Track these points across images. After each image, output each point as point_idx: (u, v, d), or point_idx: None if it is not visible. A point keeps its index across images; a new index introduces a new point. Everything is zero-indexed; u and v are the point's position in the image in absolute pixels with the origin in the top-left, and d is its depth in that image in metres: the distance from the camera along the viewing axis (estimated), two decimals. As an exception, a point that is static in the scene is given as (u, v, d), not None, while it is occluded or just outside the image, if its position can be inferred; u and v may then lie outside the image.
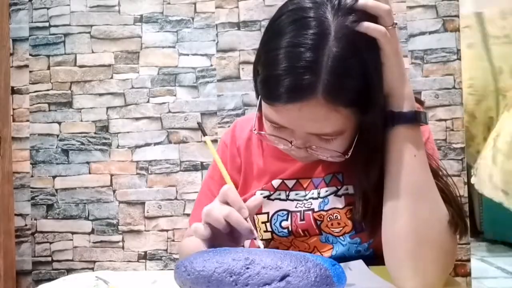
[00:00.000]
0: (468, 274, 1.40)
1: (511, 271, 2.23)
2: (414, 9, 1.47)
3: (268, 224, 0.79)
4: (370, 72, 0.61)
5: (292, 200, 0.79)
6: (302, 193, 0.79)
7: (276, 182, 0.80)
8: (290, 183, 0.80)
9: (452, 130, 1.45)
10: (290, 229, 0.78)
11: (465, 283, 1.36)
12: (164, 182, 1.56)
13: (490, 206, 2.89)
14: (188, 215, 1.54)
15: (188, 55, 1.56)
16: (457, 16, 1.46)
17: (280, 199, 0.79)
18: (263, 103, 0.67)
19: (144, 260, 1.55)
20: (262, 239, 0.79)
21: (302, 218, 0.77)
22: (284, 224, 0.78)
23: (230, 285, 0.50)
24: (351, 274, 0.62)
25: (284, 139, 0.68)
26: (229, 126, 1.53)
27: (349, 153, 0.68)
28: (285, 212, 0.78)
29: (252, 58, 1.53)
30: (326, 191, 0.77)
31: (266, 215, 0.79)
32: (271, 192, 0.80)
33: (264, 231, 0.80)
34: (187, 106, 1.56)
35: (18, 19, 1.61)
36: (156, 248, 1.55)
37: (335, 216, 0.75)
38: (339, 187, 0.76)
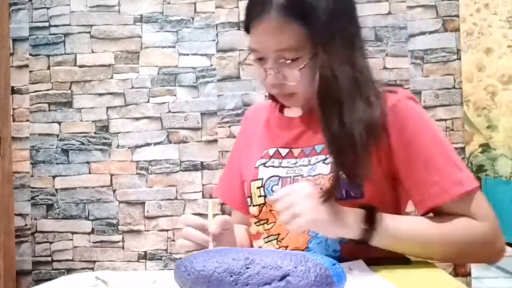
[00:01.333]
0: (468, 274, 1.40)
1: (511, 271, 2.23)
2: (414, 9, 1.47)
3: (262, 189, 0.87)
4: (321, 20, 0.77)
5: (284, 167, 0.86)
6: (293, 161, 0.86)
7: (271, 151, 0.90)
8: (284, 152, 0.88)
9: (452, 130, 1.45)
10: None
11: (465, 283, 1.36)
12: (164, 182, 1.56)
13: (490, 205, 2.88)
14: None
15: (188, 55, 1.56)
16: (457, 16, 1.46)
17: (273, 166, 0.88)
18: (249, 40, 0.84)
19: (144, 260, 1.55)
20: (256, 205, 0.89)
21: (291, 182, 0.84)
22: (275, 188, 0.85)
23: (230, 284, 0.50)
24: (351, 274, 0.62)
25: (262, 67, 0.83)
26: (229, 126, 1.54)
27: (304, 65, 0.79)
28: (276, 178, 0.86)
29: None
30: (316, 159, 0.83)
31: (260, 181, 0.87)
32: (267, 160, 0.89)
33: (259, 196, 0.87)
34: (187, 106, 1.56)
35: (18, 19, 1.61)
36: (156, 248, 1.55)
37: (319, 181, 0.80)
38: (327, 156, 0.81)
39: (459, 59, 1.44)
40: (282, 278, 0.50)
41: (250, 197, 0.89)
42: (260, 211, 0.87)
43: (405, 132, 0.78)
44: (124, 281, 0.66)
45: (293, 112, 0.92)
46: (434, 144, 0.78)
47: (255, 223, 0.89)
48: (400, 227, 0.73)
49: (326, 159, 0.82)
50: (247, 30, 0.85)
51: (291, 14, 0.77)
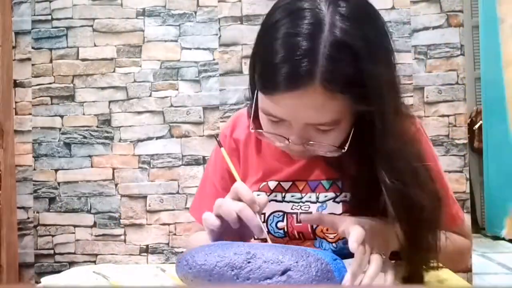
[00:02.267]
0: (469, 270, 1.40)
1: (512, 267, 2.23)
2: (418, 3, 1.46)
3: (264, 225, 0.79)
4: (364, 59, 0.61)
5: (288, 202, 0.79)
6: (298, 195, 0.79)
7: (272, 184, 0.81)
8: (286, 185, 0.80)
9: (455, 126, 1.44)
10: (285, 230, 0.79)
11: (466, 279, 1.36)
12: (166, 176, 1.56)
13: (491, 202, 2.88)
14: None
15: (190, 49, 1.56)
16: (461, 11, 1.45)
17: (276, 201, 0.80)
18: (260, 97, 0.67)
19: (145, 254, 1.56)
20: (257, 239, 0.78)
21: (298, 220, 0.78)
22: (280, 225, 0.79)
23: (231, 279, 0.50)
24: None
25: (281, 136, 0.68)
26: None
27: (346, 147, 0.67)
28: (281, 213, 0.79)
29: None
30: (325, 196, 0.77)
31: (262, 215, 0.79)
32: (268, 194, 0.80)
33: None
34: (190, 100, 1.56)
35: (21, 12, 1.61)
36: (158, 241, 1.56)
37: None
38: (338, 194, 0.76)
39: (463, 54, 1.43)
40: (283, 272, 0.50)
41: None
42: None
43: None
44: (125, 275, 0.66)
45: None
46: (440, 183, 0.76)
47: None
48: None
49: (336, 197, 0.76)
50: (259, 84, 0.67)
51: (340, 87, 0.61)
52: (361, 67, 0.61)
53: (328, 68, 0.60)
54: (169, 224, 1.55)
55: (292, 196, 0.79)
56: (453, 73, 1.44)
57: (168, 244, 1.55)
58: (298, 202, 0.79)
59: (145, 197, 1.56)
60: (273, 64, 0.62)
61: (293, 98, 0.62)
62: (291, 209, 0.78)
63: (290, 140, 0.67)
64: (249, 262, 0.51)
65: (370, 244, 0.59)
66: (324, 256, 0.54)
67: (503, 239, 2.75)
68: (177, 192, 1.56)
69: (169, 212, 1.56)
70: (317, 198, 0.78)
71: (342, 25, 0.61)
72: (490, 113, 2.80)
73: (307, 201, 0.78)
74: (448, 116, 1.44)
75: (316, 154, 0.71)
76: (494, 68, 2.75)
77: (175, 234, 1.55)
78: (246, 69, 1.54)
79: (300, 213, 0.78)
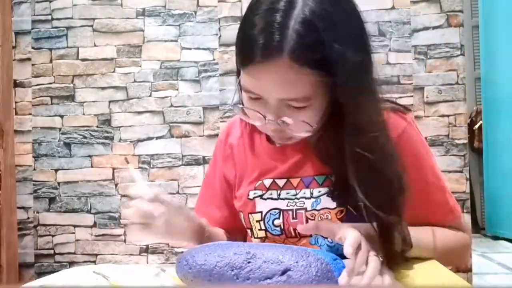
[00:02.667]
0: (469, 270, 1.40)
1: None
2: (418, 4, 1.46)
3: (262, 222, 0.81)
4: (329, 39, 0.65)
5: (284, 199, 0.81)
6: (293, 192, 0.81)
7: (267, 182, 0.82)
8: (281, 182, 0.82)
9: (455, 126, 1.44)
10: (282, 227, 0.80)
11: (465, 279, 1.36)
12: (166, 176, 1.56)
13: (491, 202, 2.88)
14: (190, 209, 1.54)
15: (190, 49, 1.56)
16: (461, 11, 1.45)
17: (272, 198, 0.81)
18: (241, 76, 0.72)
19: (145, 254, 1.56)
20: (257, 237, 0.82)
21: (294, 216, 0.79)
22: (276, 222, 0.80)
23: (231, 279, 0.50)
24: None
25: (258, 112, 0.72)
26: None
27: (315, 124, 0.71)
28: (277, 211, 0.80)
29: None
30: (319, 192, 0.79)
31: (260, 214, 0.81)
32: (263, 192, 0.82)
33: (259, 229, 0.82)
34: (189, 100, 1.56)
35: (21, 12, 1.61)
36: (158, 241, 1.56)
37: (326, 216, 0.77)
38: (331, 188, 0.77)
39: (463, 54, 1.43)
40: (283, 272, 0.50)
41: (250, 229, 0.84)
42: (262, 242, 0.83)
43: (408, 159, 0.75)
44: (125, 275, 0.66)
45: None
46: (432, 176, 0.80)
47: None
48: (423, 238, 0.74)
49: (330, 191, 0.77)
50: (239, 58, 0.73)
51: (307, 61, 0.65)
52: (326, 45, 0.65)
53: (296, 42, 0.64)
54: (169, 224, 1.55)
55: (287, 193, 0.81)
56: (453, 73, 1.45)
57: (168, 244, 1.55)
58: (293, 199, 0.80)
59: (145, 197, 1.56)
60: (250, 36, 0.68)
61: (265, 71, 0.67)
62: (287, 206, 0.80)
63: (266, 118, 0.71)
64: (249, 262, 0.51)
65: (367, 246, 0.60)
66: (324, 256, 0.54)
67: (503, 238, 2.75)
68: (177, 192, 1.56)
69: (169, 212, 1.55)
70: (311, 193, 0.79)
71: (312, 5, 0.66)
72: (490, 113, 2.80)
73: (301, 197, 0.79)
74: (448, 116, 1.44)
75: (291, 136, 0.74)
76: (494, 68, 2.75)
77: (175, 234, 1.55)
78: (246, 69, 1.53)
79: (296, 209, 0.79)
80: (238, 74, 0.77)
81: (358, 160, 0.68)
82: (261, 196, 0.82)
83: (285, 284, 0.50)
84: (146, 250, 1.56)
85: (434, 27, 1.45)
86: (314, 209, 0.78)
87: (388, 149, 0.70)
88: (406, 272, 0.65)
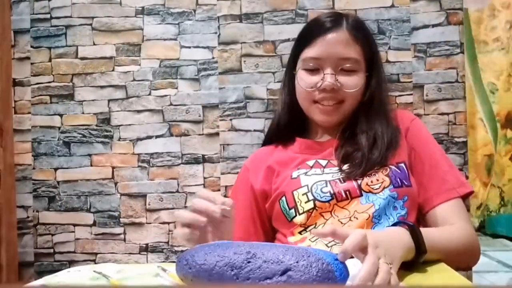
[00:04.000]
0: (469, 268, 1.39)
1: None
2: (418, 1, 1.45)
3: (309, 194, 0.88)
4: (370, 39, 1.09)
5: (328, 173, 0.92)
6: (335, 169, 0.93)
7: (310, 162, 0.96)
8: (323, 163, 0.95)
9: (455, 124, 1.43)
10: (332, 191, 0.88)
11: (466, 277, 1.35)
12: (166, 174, 1.56)
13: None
14: (189, 207, 1.54)
15: (189, 47, 1.55)
16: (461, 9, 1.44)
17: (316, 174, 0.92)
18: (300, 61, 1.05)
19: (145, 253, 1.55)
20: (303, 212, 0.89)
21: (342, 181, 0.89)
22: (325, 189, 0.87)
23: (231, 279, 0.50)
24: (356, 270, 0.61)
25: (313, 88, 0.99)
26: (231, 120, 1.54)
27: (358, 87, 1.01)
28: (323, 182, 0.89)
29: (254, 50, 1.52)
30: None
31: (305, 187, 0.89)
32: (307, 170, 0.94)
33: (306, 202, 0.88)
34: (189, 99, 1.55)
35: (20, 10, 1.60)
36: (158, 240, 1.55)
37: (373, 174, 0.87)
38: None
39: (462, 52, 1.42)
40: (284, 272, 0.50)
41: (295, 207, 0.87)
42: (308, 218, 0.87)
43: (420, 140, 1.01)
44: (125, 275, 0.65)
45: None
46: (441, 153, 1.03)
47: (300, 231, 0.87)
48: (434, 240, 0.75)
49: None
50: (304, 43, 1.01)
51: (358, 35, 1.01)
52: (367, 42, 1.06)
53: (351, 25, 1.02)
54: (168, 223, 1.55)
55: (330, 170, 0.93)
56: (452, 71, 1.44)
57: (167, 243, 1.55)
58: (337, 172, 0.91)
59: (144, 195, 1.56)
60: (317, 21, 1.05)
61: (329, 36, 0.98)
62: (332, 177, 0.90)
63: (324, 73, 0.96)
64: (249, 262, 0.50)
65: (377, 252, 0.59)
66: (325, 256, 0.53)
67: (503, 236, 2.75)
68: (177, 191, 1.55)
69: (169, 211, 1.55)
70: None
71: (354, 20, 1.07)
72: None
73: (346, 169, 0.92)
74: (447, 114, 1.44)
75: (342, 98, 0.99)
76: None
77: (175, 233, 1.54)
78: (245, 68, 1.53)
79: (342, 177, 0.90)
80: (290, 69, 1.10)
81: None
82: (305, 173, 0.93)
83: (285, 284, 0.50)
84: (146, 249, 1.56)
85: (434, 25, 1.45)
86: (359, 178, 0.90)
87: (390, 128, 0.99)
88: (414, 276, 0.65)
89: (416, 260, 0.69)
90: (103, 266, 0.73)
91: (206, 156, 1.54)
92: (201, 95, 1.55)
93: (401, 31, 1.45)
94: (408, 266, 0.68)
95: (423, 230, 0.73)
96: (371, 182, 0.86)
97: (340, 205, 0.84)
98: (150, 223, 1.56)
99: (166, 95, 1.56)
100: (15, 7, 1.59)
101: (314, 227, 0.85)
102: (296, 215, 0.86)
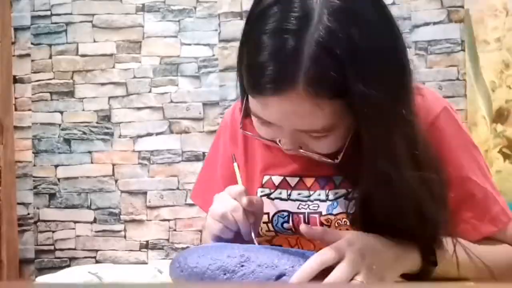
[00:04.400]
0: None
1: None
2: (419, -1, 1.43)
3: (269, 224, 0.71)
4: (350, 65, 0.53)
5: (294, 200, 0.71)
6: (306, 193, 0.71)
7: (277, 179, 0.72)
8: (293, 181, 0.71)
9: (456, 122, 1.42)
10: (293, 230, 0.70)
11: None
12: (166, 172, 1.55)
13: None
14: (190, 205, 1.53)
15: (190, 44, 1.53)
16: (462, 6, 1.42)
17: (281, 199, 0.71)
18: (250, 100, 0.60)
19: (146, 250, 1.55)
20: (264, 235, 0.72)
21: (306, 221, 0.69)
22: (285, 225, 0.71)
23: (224, 283, 0.49)
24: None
25: (272, 140, 0.62)
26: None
27: (339, 158, 0.60)
28: (285, 214, 0.71)
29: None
30: (336, 194, 0.69)
31: (266, 215, 0.70)
32: (272, 190, 0.72)
33: (267, 231, 0.72)
34: (189, 96, 1.54)
35: (20, 7, 1.58)
36: (158, 237, 1.54)
37: (344, 221, 0.67)
38: (350, 190, 0.67)
39: (463, 50, 1.41)
40: (278, 277, 0.48)
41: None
42: (270, 242, 0.73)
43: (443, 149, 0.65)
44: (120, 276, 0.64)
45: None
46: (473, 171, 0.66)
47: None
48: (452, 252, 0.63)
49: (348, 194, 0.67)
50: (252, 92, 0.58)
51: (326, 92, 0.54)
52: (348, 71, 0.53)
53: (311, 71, 0.53)
54: (169, 220, 1.54)
55: (299, 194, 0.71)
56: (453, 68, 1.42)
57: (168, 240, 1.54)
58: (306, 201, 0.70)
59: (145, 193, 1.55)
60: (258, 63, 0.55)
61: (278, 103, 0.56)
62: (298, 208, 0.70)
63: (281, 144, 0.61)
64: (242, 266, 0.49)
65: (356, 266, 0.53)
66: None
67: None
68: (177, 188, 1.54)
69: (169, 208, 1.54)
70: (327, 196, 0.69)
71: (328, 23, 0.53)
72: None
73: (316, 200, 0.70)
74: (448, 112, 1.42)
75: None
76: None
77: (175, 230, 1.53)
78: (245, 65, 1.51)
79: (309, 213, 0.69)
80: (241, 85, 0.64)
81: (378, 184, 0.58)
82: (268, 195, 0.72)
83: None
84: (146, 246, 1.55)
85: (435, 23, 1.42)
86: (330, 214, 0.68)
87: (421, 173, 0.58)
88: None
89: (424, 274, 0.60)
90: (100, 267, 0.72)
91: (206, 154, 1.53)
92: (201, 93, 1.53)
93: (402, 28, 1.42)
94: (415, 279, 0.62)
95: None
96: (339, 228, 0.68)
97: (305, 239, 0.68)
98: (150, 220, 1.55)
99: (166, 93, 1.54)
100: (16, 4, 1.58)
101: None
102: (259, 236, 0.70)
